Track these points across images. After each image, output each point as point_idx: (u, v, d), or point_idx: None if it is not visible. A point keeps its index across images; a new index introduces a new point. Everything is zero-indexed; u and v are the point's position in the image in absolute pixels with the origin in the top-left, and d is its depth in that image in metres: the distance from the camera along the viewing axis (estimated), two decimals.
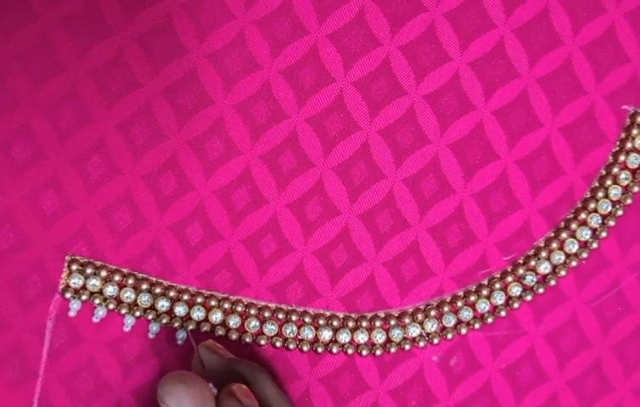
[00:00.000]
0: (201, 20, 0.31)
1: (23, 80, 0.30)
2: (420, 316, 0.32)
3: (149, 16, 0.30)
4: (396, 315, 0.32)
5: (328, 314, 0.31)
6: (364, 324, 0.32)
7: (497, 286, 0.32)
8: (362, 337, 0.31)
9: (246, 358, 0.30)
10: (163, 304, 0.30)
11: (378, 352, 0.32)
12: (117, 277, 0.30)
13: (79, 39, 0.30)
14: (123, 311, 0.30)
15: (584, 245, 0.33)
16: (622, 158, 0.33)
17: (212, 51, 0.31)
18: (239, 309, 0.31)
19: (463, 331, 0.32)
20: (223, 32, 0.31)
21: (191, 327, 0.30)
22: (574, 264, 0.33)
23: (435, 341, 0.32)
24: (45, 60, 0.30)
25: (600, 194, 0.33)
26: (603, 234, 0.33)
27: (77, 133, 0.30)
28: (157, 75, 0.30)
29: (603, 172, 0.33)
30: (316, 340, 0.31)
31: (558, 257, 0.33)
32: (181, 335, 0.30)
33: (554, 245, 0.33)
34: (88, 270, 0.30)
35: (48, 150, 0.30)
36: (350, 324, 0.31)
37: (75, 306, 0.30)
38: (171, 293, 0.30)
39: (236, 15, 0.31)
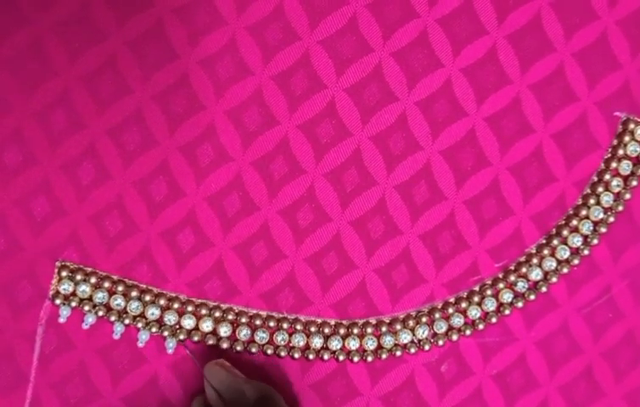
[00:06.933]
0: (193, 26, 0.31)
1: (14, 86, 0.30)
2: (411, 323, 0.32)
3: (141, 22, 0.30)
4: (388, 321, 0.32)
5: (319, 321, 0.31)
6: (355, 331, 0.32)
7: (489, 292, 0.32)
8: (353, 344, 0.31)
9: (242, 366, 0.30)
10: (153, 312, 0.30)
11: (370, 358, 0.32)
12: (107, 284, 0.30)
13: (70, 44, 0.30)
14: (112, 318, 0.30)
15: (575, 252, 0.33)
16: (614, 164, 0.33)
17: (204, 57, 0.31)
18: (230, 317, 0.31)
19: (455, 337, 0.32)
20: (215, 38, 0.31)
21: (182, 336, 0.30)
22: (565, 270, 0.33)
23: (427, 347, 0.32)
24: (36, 65, 0.30)
25: (592, 201, 0.33)
26: (595, 241, 0.33)
27: (68, 139, 0.30)
28: (148, 80, 0.30)
29: (595, 179, 0.33)
30: (307, 347, 0.31)
31: (550, 263, 0.33)
32: (170, 344, 0.30)
33: (546, 252, 0.33)
34: (78, 277, 0.30)
35: (39, 155, 0.30)
36: (342, 331, 0.31)
37: (64, 312, 0.30)
38: (161, 301, 0.30)
39: (228, 21, 0.31)
